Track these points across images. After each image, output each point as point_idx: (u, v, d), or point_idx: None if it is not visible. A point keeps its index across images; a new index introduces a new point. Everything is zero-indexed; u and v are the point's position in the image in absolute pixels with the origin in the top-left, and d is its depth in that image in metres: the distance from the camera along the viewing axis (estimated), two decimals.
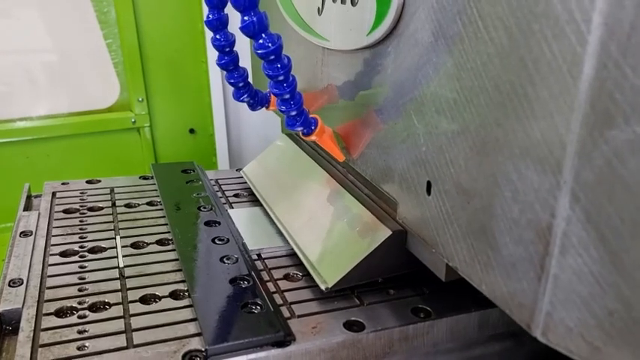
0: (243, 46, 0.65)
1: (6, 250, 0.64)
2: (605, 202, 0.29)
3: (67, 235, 0.67)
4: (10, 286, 0.55)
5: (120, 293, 0.55)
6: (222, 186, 0.86)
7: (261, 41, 0.47)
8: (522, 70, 0.33)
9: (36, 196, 0.81)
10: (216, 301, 0.53)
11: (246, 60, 0.78)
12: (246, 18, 0.46)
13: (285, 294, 0.56)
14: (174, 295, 0.55)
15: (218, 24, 0.54)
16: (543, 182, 0.32)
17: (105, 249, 0.64)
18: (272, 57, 0.48)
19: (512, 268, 0.36)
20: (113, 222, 0.72)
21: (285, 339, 0.48)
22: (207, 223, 0.69)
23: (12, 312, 0.51)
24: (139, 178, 0.87)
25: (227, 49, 0.56)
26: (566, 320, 0.33)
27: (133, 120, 1.45)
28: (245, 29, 0.47)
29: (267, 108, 0.66)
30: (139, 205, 0.77)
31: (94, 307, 0.53)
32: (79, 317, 0.51)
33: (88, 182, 0.84)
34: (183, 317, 0.51)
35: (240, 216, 0.74)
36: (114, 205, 0.77)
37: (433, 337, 0.53)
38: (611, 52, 0.27)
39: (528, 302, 0.35)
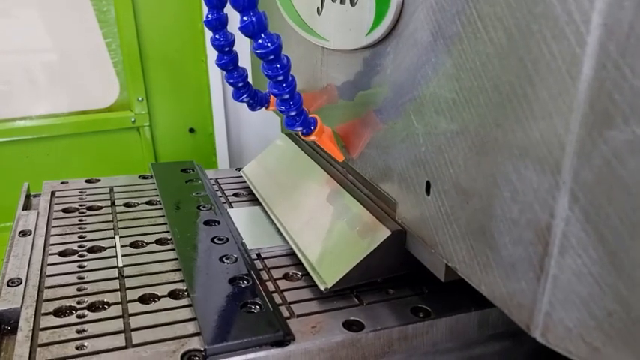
0: (243, 47, 0.65)
1: (5, 249, 0.64)
2: (604, 202, 0.29)
3: (66, 234, 0.67)
4: (8, 285, 0.55)
5: (119, 293, 0.55)
6: (221, 185, 0.86)
7: (260, 41, 0.47)
8: (521, 70, 0.33)
9: (35, 196, 0.81)
10: (216, 300, 0.53)
11: (245, 60, 0.78)
12: (245, 18, 0.46)
13: (285, 293, 0.56)
14: (174, 294, 0.55)
15: (217, 24, 0.54)
16: (542, 182, 0.32)
17: (104, 248, 0.64)
18: (271, 57, 0.48)
19: (511, 269, 0.36)
20: (112, 221, 0.72)
21: (284, 338, 0.48)
22: (207, 223, 0.69)
23: (11, 311, 0.51)
24: (139, 177, 0.87)
25: (226, 49, 0.56)
26: (566, 321, 0.33)
27: (132, 119, 1.45)
28: (244, 29, 0.47)
29: (266, 108, 0.66)
30: (138, 204, 0.77)
31: (93, 307, 0.53)
32: (78, 317, 0.51)
33: (87, 182, 0.84)
34: (182, 317, 0.51)
35: (240, 215, 0.74)
36: (113, 204, 0.77)
37: (433, 337, 0.53)
38: (610, 53, 0.27)
39: (527, 302, 0.35)
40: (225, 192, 0.83)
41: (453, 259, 0.43)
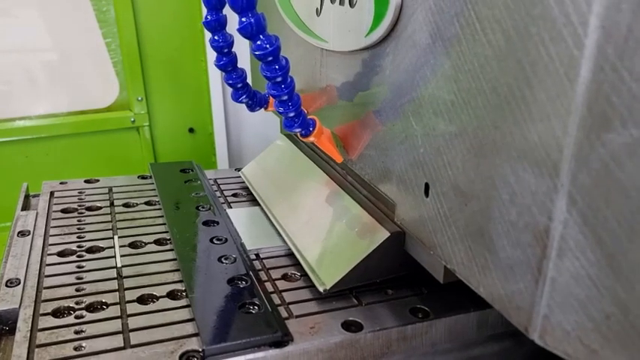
0: (243, 48, 0.65)
1: (4, 249, 0.64)
2: (602, 205, 0.29)
3: (64, 234, 0.67)
4: (7, 286, 0.55)
5: (117, 293, 0.55)
6: (220, 185, 0.86)
7: (259, 42, 0.47)
8: (520, 72, 0.33)
9: (34, 196, 0.81)
10: (214, 301, 0.53)
11: (245, 61, 0.78)
12: (243, 19, 0.46)
13: (283, 294, 0.56)
14: (172, 295, 0.55)
15: (216, 25, 0.54)
16: (540, 185, 0.32)
17: (103, 249, 0.64)
18: (270, 58, 0.48)
19: (509, 271, 0.36)
20: (111, 222, 0.72)
21: (282, 339, 0.48)
22: (206, 223, 0.69)
23: (9, 312, 0.51)
24: (138, 177, 0.87)
25: (225, 50, 0.56)
26: (564, 323, 0.33)
27: (132, 119, 1.45)
28: (243, 30, 0.47)
29: (265, 109, 0.66)
30: (137, 204, 0.77)
31: (91, 307, 0.53)
32: (76, 317, 0.51)
33: (86, 182, 0.84)
34: (180, 317, 0.51)
35: (239, 216, 0.74)
36: (112, 204, 0.77)
37: (431, 337, 0.53)
38: (608, 55, 0.27)
39: (526, 305, 0.35)
40: (224, 192, 0.83)
41: (451, 260, 0.43)
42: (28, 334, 0.48)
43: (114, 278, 0.58)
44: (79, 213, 0.74)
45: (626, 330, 0.30)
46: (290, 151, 0.81)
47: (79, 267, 0.60)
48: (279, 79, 0.50)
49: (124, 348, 0.47)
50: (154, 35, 1.42)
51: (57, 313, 0.52)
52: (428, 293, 0.57)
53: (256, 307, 0.52)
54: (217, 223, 0.69)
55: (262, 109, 0.66)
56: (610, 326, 0.30)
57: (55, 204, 0.76)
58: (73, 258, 0.62)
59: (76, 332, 0.49)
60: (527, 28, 0.32)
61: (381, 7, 0.48)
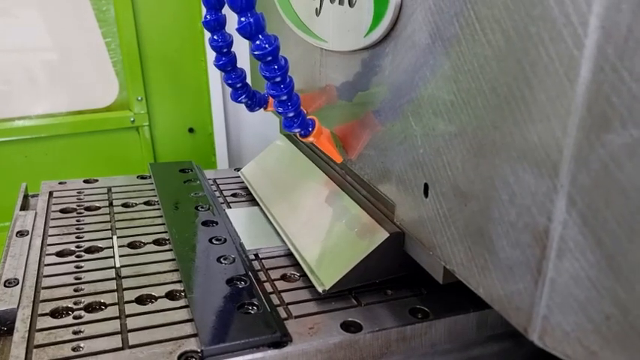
0: (242, 48, 0.65)
1: (2, 250, 0.63)
2: (602, 206, 0.29)
3: (63, 234, 0.67)
4: (5, 286, 0.55)
5: (116, 293, 0.55)
6: (220, 185, 0.85)
7: (258, 42, 0.47)
8: (519, 72, 0.33)
9: (33, 196, 0.81)
10: (213, 301, 0.53)
11: (244, 61, 0.78)
12: (243, 19, 0.46)
13: (283, 294, 0.56)
14: (171, 295, 0.55)
15: (215, 25, 0.54)
16: (540, 185, 0.32)
17: (101, 249, 0.64)
18: (269, 58, 0.48)
19: (509, 272, 0.36)
20: (110, 222, 0.71)
21: (281, 340, 0.48)
22: (205, 223, 0.69)
23: (7, 312, 0.51)
24: (137, 177, 0.87)
25: (225, 50, 0.56)
26: (563, 324, 0.33)
27: (132, 119, 1.45)
28: (242, 30, 0.47)
29: (265, 109, 0.66)
30: (136, 204, 0.77)
31: (89, 308, 0.53)
32: (75, 318, 0.51)
33: (85, 182, 0.84)
34: (179, 318, 0.51)
35: (238, 216, 0.74)
36: (111, 204, 0.77)
37: (431, 338, 0.53)
38: (608, 55, 0.27)
39: (525, 306, 0.35)
40: (223, 192, 0.83)
41: (451, 261, 0.43)
42: (26, 335, 0.48)
43: (112, 278, 0.58)
44: (77, 213, 0.74)
45: (625, 331, 0.30)
46: (289, 151, 0.81)
47: (77, 267, 0.60)
48: (278, 79, 0.50)
49: (122, 348, 0.47)
50: (154, 35, 1.41)
51: (55, 314, 0.52)
52: (427, 294, 0.57)
53: (255, 308, 0.52)
54: (216, 223, 0.69)
55: (262, 109, 0.66)
56: (610, 327, 0.30)
57: (54, 204, 0.76)
58: (72, 258, 0.62)
59: (75, 332, 0.49)
60: (527, 28, 0.32)
61: (380, 6, 0.47)
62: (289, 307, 0.54)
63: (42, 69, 1.38)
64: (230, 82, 0.59)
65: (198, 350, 0.47)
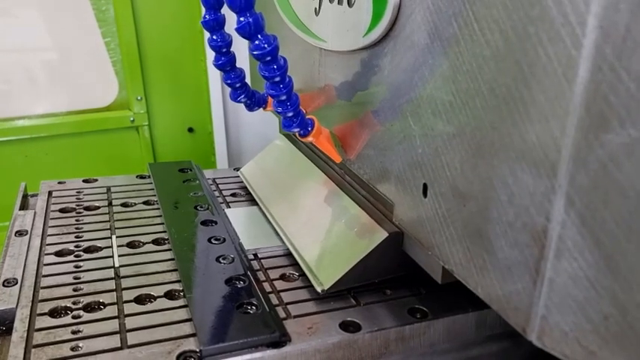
0: (242, 48, 0.65)
1: (1, 249, 0.63)
2: (600, 206, 0.29)
3: (62, 234, 0.67)
4: (4, 285, 0.55)
5: (115, 293, 0.55)
6: (219, 185, 0.85)
7: (257, 42, 0.47)
8: (518, 72, 0.33)
9: (32, 195, 0.81)
10: (212, 301, 0.53)
11: (244, 61, 0.78)
12: (242, 19, 0.46)
13: (281, 294, 0.56)
14: (170, 295, 0.55)
15: (215, 24, 0.54)
16: (538, 186, 0.32)
17: (100, 248, 0.64)
18: (268, 58, 0.48)
19: (507, 272, 0.36)
20: (109, 221, 0.71)
21: (280, 340, 0.48)
22: (204, 223, 0.69)
23: (6, 312, 0.51)
24: (136, 177, 0.87)
25: (224, 50, 0.56)
26: (562, 324, 0.33)
27: (131, 119, 1.45)
28: (241, 30, 0.46)
29: (264, 109, 0.66)
30: (135, 204, 0.77)
31: (88, 307, 0.53)
32: (74, 317, 0.51)
33: (84, 181, 0.84)
34: (178, 317, 0.51)
35: (237, 215, 0.74)
36: (110, 204, 0.77)
37: (430, 338, 0.53)
38: (606, 55, 0.27)
39: (524, 306, 0.35)
40: (222, 192, 0.83)
41: (449, 261, 0.43)
42: (25, 335, 0.48)
43: (111, 278, 0.58)
44: (77, 213, 0.74)
45: (624, 331, 0.30)
46: (289, 151, 0.81)
47: (76, 267, 0.60)
48: (277, 79, 0.50)
49: (121, 348, 0.47)
50: (154, 34, 1.41)
51: (54, 313, 0.52)
52: (426, 293, 0.57)
53: (254, 308, 0.52)
54: (216, 222, 0.69)
55: (261, 109, 0.66)
56: (608, 327, 0.30)
57: (53, 204, 0.76)
58: (71, 258, 0.62)
59: (73, 332, 0.49)
60: (525, 28, 0.32)
61: (379, 6, 0.47)
62: (288, 306, 0.54)
63: (42, 69, 1.39)
64: (229, 81, 0.59)
65: (197, 350, 0.47)
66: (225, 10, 0.51)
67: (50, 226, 0.69)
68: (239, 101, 0.62)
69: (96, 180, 0.85)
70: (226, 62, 0.57)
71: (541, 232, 0.33)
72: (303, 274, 0.59)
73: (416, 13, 0.43)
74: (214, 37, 0.55)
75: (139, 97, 1.44)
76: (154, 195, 0.79)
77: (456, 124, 0.40)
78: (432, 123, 0.43)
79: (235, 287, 0.55)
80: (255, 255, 0.64)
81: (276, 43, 0.48)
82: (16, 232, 0.66)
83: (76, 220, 0.71)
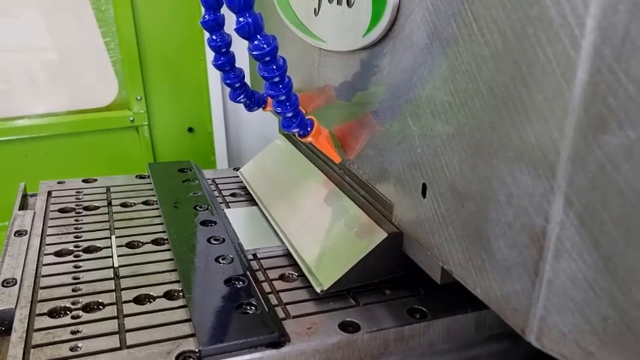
0: (242, 48, 0.65)
1: (1, 249, 0.63)
2: (599, 207, 0.29)
3: (62, 234, 0.67)
4: (3, 285, 0.55)
5: (114, 293, 0.55)
6: (219, 185, 0.85)
7: (256, 42, 0.47)
8: (516, 73, 0.33)
9: (32, 195, 0.81)
10: (211, 301, 0.53)
11: (244, 61, 0.78)
12: (241, 19, 0.46)
13: (281, 294, 0.56)
14: (169, 295, 0.55)
15: (214, 24, 0.54)
16: (537, 186, 0.32)
17: (100, 249, 0.64)
18: (267, 58, 0.48)
19: (506, 273, 0.36)
20: (109, 221, 0.71)
21: (279, 340, 0.48)
22: (204, 223, 0.69)
23: (5, 312, 0.51)
24: (136, 177, 0.87)
25: (223, 50, 0.56)
26: (560, 325, 0.33)
27: (131, 118, 1.45)
28: (240, 30, 0.46)
29: (263, 109, 0.66)
30: (134, 204, 0.77)
31: (87, 308, 0.53)
32: (73, 318, 0.51)
33: (84, 181, 0.84)
34: (177, 318, 0.51)
35: (237, 215, 0.74)
36: (110, 204, 0.77)
37: (429, 338, 0.53)
38: (605, 57, 0.27)
39: (522, 307, 0.35)
40: (222, 192, 0.83)
41: (448, 261, 0.43)
42: (24, 335, 0.48)
43: (111, 278, 0.58)
44: (76, 213, 0.74)
45: (622, 332, 0.30)
46: (288, 151, 0.81)
47: (75, 267, 0.60)
48: (276, 79, 0.50)
49: (120, 348, 0.47)
50: (153, 34, 1.41)
51: (53, 314, 0.52)
52: (425, 294, 0.57)
53: (253, 308, 0.52)
54: (215, 223, 0.69)
55: (260, 109, 0.66)
56: (607, 328, 0.30)
57: (53, 203, 0.76)
58: (70, 258, 0.62)
59: (73, 332, 0.49)
60: (524, 28, 0.32)
61: (378, 6, 0.47)
62: (287, 307, 0.54)
63: (42, 69, 1.39)
64: (229, 82, 0.59)
65: (196, 350, 0.47)
66: (225, 10, 0.51)
67: (49, 226, 0.69)
68: (238, 101, 0.62)
69: (95, 180, 0.85)
70: (226, 62, 0.57)
71: (540, 232, 0.33)
72: (302, 275, 0.59)
73: (415, 13, 0.43)
74: (214, 37, 0.55)
75: (138, 97, 1.44)
76: (154, 195, 0.79)
77: (455, 125, 0.40)
78: (431, 123, 0.43)
79: (235, 287, 0.55)
80: (255, 255, 0.64)
81: (276, 43, 0.48)
82: (16, 232, 0.66)
83: (76, 220, 0.71)
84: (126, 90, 1.44)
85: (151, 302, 0.54)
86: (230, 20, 0.51)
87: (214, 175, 0.90)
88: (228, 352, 0.47)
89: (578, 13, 0.28)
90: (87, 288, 0.56)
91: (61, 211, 0.74)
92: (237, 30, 0.47)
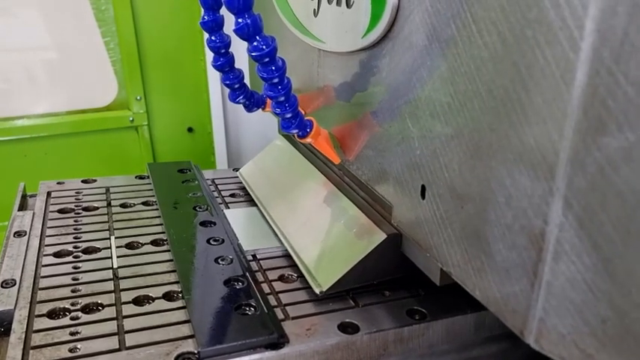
0: (241, 49, 0.65)
1: (0, 250, 0.63)
2: (598, 209, 0.29)
3: (61, 235, 0.67)
4: (2, 286, 0.55)
5: (113, 294, 0.55)
6: (218, 186, 0.85)
7: (255, 43, 0.47)
8: (516, 75, 0.33)
9: (31, 196, 0.80)
10: (210, 302, 0.53)
11: (243, 61, 0.78)
12: (240, 20, 0.46)
13: (280, 295, 0.56)
14: (168, 296, 0.55)
15: (213, 25, 0.54)
16: (536, 188, 0.32)
17: (99, 249, 0.64)
18: (266, 59, 0.48)
19: (505, 274, 0.36)
20: (108, 222, 0.71)
21: (278, 341, 0.48)
22: (203, 224, 0.69)
23: (4, 313, 0.51)
24: (135, 177, 0.87)
25: (222, 51, 0.56)
26: (559, 327, 0.33)
27: (131, 118, 1.45)
28: (239, 31, 0.46)
29: (263, 110, 0.66)
30: (134, 204, 0.77)
31: (86, 309, 0.53)
32: (72, 319, 0.51)
33: (83, 182, 0.84)
34: (176, 319, 0.51)
35: (236, 216, 0.74)
36: (109, 204, 0.77)
37: (428, 339, 0.53)
38: (604, 59, 0.27)
39: (521, 308, 0.35)
40: (222, 192, 0.83)
41: (447, 263, 0.43)
42: (23, 336, 0.48)
43: (110, 279, 0.58)
44: (75, 213, 0.74)
45: (621, 334, 0.30)
46: (288, 152, 0.81)
47: (75, 268, 0.60)
48: (275, 80, 0.50)
49: (119, 350, 0.47)
50: (153, 34, 1.41)
51: (52, 315, 0.52)
52: (425, 295, 0.56)
53: (252, 309, 0.52)
54: (214, 223, 0.69)
55: (260, 110, 0.66)
56: (606, 330, 0.30)
57: (52, 204, 0.76)
58: (69, 259, 0.62)
59: (72, 334, 0.49)
60: (523, 30, 0.32)
61: (377, 8, 0.47)
62: (287, 308, 0.54)
63: (41, 68, 1.38)
64: (228, 82, 0.59)
65: (195, 352, 0.47)
66: (224, 11, 0.51)
67: (49, 227, 0.69)
68: (238, 102, 0.62)
69: (95, 180, 0.85)
70: (225, 63, 0.57)
71: (539, 234, 0.33)
72: (301, 275, 0.59)
73: (414, 14, 0.43)
74: (213, 37, 0.55)
75: (138, 97, 1.44)
76: (153, 195, 0.79)
77: (454, 126, 0.40)
78: (430, 124, 0.43)
79: (234, 288, 0.55)
80: (254, 256, 0.64)
81: (275, 44, 0.48)
82: (15, 232, 0.66)
83: (75, 221, 0.71)
84: (125, 90, 1.44)
85: (150, 303, 0.54)
86: (229, 21, 0.51)
87: (214, 176, 0.90)
88: (228, 353, 0.47)
89: (577, 16, 0.28)
90: (86, 289, 0.56)
91: (60, 211, 0.74)
92: (236, 31, 0.47)
